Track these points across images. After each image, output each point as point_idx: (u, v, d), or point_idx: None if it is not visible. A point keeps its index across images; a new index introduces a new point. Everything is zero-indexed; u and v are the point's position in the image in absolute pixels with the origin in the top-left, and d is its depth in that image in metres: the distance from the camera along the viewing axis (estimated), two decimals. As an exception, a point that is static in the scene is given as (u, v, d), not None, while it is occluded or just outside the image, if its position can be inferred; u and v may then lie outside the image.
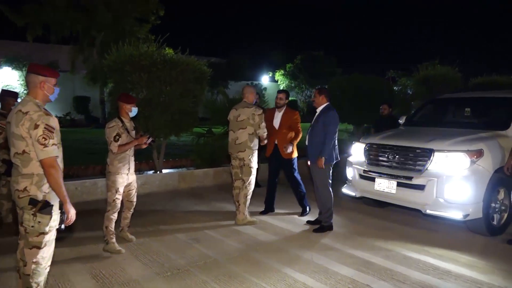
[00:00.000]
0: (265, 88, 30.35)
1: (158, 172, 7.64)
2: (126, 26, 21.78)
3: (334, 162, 5.03)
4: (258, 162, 5.39)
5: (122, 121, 4.28)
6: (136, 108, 4.38)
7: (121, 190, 4.29)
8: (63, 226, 2.73)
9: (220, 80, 25.12)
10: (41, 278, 2.75)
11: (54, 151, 2.57)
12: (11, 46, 22.88)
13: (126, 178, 4.33)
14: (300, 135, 5.66)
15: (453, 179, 4.56)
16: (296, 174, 5.72)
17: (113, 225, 4.26)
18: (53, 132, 2.58)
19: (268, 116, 5.80)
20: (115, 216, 4.27)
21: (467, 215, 4.51)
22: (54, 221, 2.69)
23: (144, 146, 4.41)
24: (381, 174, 5.19)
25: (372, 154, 5.44)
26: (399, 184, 4.95)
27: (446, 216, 4.68)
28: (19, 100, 4.46)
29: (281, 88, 32.67)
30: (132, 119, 4.46)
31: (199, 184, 7.73)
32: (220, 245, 4.56)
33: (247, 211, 5.35)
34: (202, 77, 7.45)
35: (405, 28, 67.80)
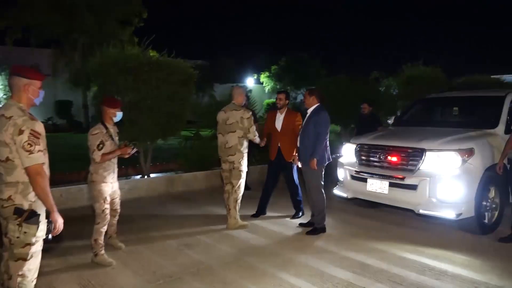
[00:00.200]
0: (250, 90, 30.23)
1: (145, 176, 7.49)
2: (109, 29, 21.43)
3: (326, 163, 4.98)
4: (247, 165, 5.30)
5: (106, 127, 4.05)
6: (121, 112, 4.17)
7: (108, 199, 4.11)
8: (50, 236, 2.59)
9: (205, 83, 24.92)
10: (28, 292, 2.60)
11: (40, 157, 2.44)
12: (-11, 50, 22.31)
13: (111, 186, 4.15)
14: None
15: (445, 178, 4.55)
16: (296, 178, 5.64)
17: (102, 238, 4.07)
18: (39, 138, 2.44)
19: (270, 119, 5.72)
20: (105, 228, 4.09)
21: (460, 214, 4.51)
22: (41, 231, 2.55)
23: (127, 156, 4.21)
24: (373, 175, 5.16)
25: (364, 154, 5.41)
26: (391, 184, 4.93)
27: (439, 216, 4.67)
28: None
29: (266, 90, 32.68)
30: (118, 123, 4.29)
31: (188, 188, 7.60)
32: (212, 251, 4.45)
33: (238, 215, 5.26)
34: (189, 79, 7.34)
35: (388, 29, 68.76)
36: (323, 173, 4.99)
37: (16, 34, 21.16)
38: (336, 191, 5.77)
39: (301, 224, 5.31)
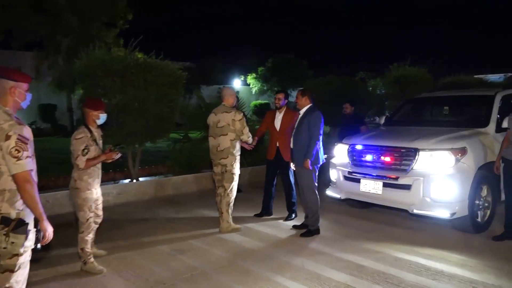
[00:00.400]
0: (237, 92, 30.12)
1: (134, 180, 7.34)
2: (93, 31, 21.08)
3: (320, 164, 4.93)
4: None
5: (90, 131, 3.84)
6: (105, 114, 3.93)
7: (93, 206, 3.94)
8: (39, 246, 2.46)
9: (192, 84, 24.73)
10: (16, 304, 2.47)
11: (29, 164, 2.31)
12: (-31, 53, 21.77)
13: (95, 192, 3.96)
14: None
15: (439, 177, 4.55)
16: (292, 178, 5.59)
17: (89, 245, 3.92)
18: (27, 144, 2.31)
19: (269, 118, 5.67)
20: (90, 236, 3.94)
21: (454, 213, 4.51)
22: (30, 240, 2.42)
23: (110, 161, 3.99)
24: (366, 175, 5.13)
25: (356, 155, 5.38)
26: (385, 185, 4.90)
27: (433, 215, 4.66)
28: None
29: (253, 91, 32.63)
30: (106, 126, 4.12)
31: (178, 191, 7.48)
32: (206, 255, 4.36)
33: (231, 218, 5.17)
34: (178, 81, 7.23)
35: (373, 30, 69.41)
36: (317, 174, 4.95)
37: (-3, 36, 20.69)
38: (329, 192, 5.73)
39: (294, 226, 5.25)
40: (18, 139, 2.28)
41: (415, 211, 4.68)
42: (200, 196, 7.26)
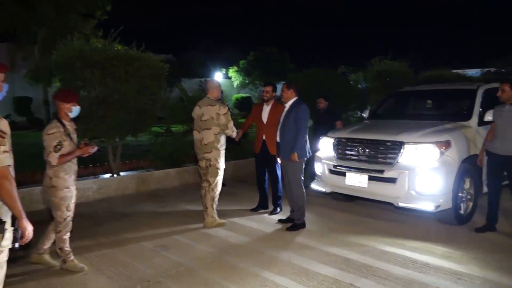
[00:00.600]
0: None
1: (115, 175, 7.16)
2: (70, 22, 20.47)
3: (307, 157, 4.90)
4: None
5: (63, 124, 3.59)
6: (78, 107, 3.67)
7: (71, 206, 3.72)
8: (17, 245, 2.33)
9: (173, 77, 24.39)
10: (-8, 307, 2.35)
11: (6, 159, 2.17)
12: None
13: (73, 189, 3.75)
14: None
15: (424, 171, 4.57)
16: (279, 172, 5.53)
17: (67, 244, 3.75)
18: (4, 138, 2.16)
19: (256, 111, 5.58)
20: (68, 235, 3.75)
21: (438, 206, 4.55)
22: (7, 240, 2.28)
23: (87, 155, 3.77)
24: (351, 169, 5.12)
25: (342, 148, 5.36)
26: (370, 178, 4.90)
27: (418, 208, 4.69)
28: None
29: (235, 85, 32.42)
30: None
31: (160, 186, 7.34)
32: (190, 251, 4.27)
33: (215, 213, 5.10)
34: (160, 73, 7.06)
35: (354, 24, 69.87)
36: (303, 167, 4.91)
37: (-32, 27, 19.86)
38: (314, 186, 5.71)
39: (280, 220, 5.21)
40: (-7, 132, 2.13)
41: (401, 204, 4.70)
42: (183, 190, 7.15)
